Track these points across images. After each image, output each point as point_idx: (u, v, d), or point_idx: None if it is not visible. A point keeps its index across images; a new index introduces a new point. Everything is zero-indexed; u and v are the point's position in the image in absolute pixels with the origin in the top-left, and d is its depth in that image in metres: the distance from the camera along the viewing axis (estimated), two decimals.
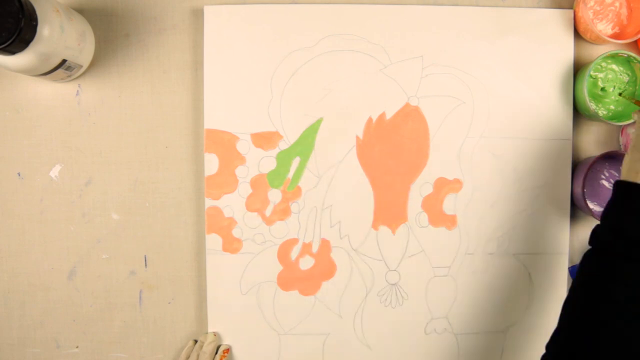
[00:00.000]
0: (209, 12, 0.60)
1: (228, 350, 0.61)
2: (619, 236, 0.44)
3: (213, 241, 0.61)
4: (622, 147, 0.63)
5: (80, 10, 0.60)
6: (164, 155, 0.62)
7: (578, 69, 0.62)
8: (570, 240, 0.63)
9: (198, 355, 0.59)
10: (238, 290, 0.61)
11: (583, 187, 0.59)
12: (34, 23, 0.48)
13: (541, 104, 0.62)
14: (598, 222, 0.48)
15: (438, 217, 0.62)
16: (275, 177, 0.61)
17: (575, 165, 0.63)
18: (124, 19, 0.61)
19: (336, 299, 0.62)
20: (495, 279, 0.63)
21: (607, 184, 0.63)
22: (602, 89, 0.62)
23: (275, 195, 0.61)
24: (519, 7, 0.62)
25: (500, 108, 0.62)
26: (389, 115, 0.62)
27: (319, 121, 0.61)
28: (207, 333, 0.61)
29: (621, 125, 0.62)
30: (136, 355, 0.63)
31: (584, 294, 0.45)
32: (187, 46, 0.62)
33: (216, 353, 0.60)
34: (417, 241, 0.62)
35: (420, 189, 0.62)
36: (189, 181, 0.62)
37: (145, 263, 0.63)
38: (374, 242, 0.62)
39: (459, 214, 0.62)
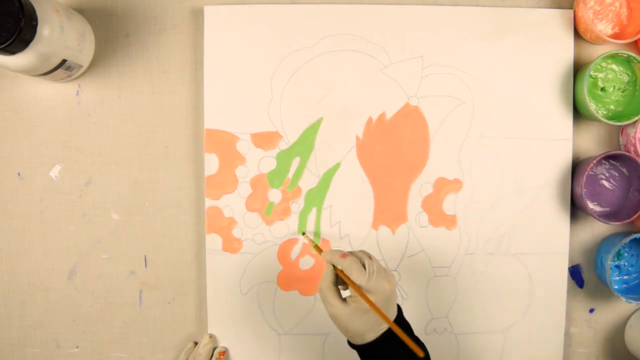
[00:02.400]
0: (209, 12, 0.60)
1: (224, 352, 0.61)
2: None
3: (213, 241, 0.61)
4: (622, 147, 0.63)
5: (80, 10, 0.60)
6: (164, 155, 0.62)
7: (578, 69, 0.62)
8: (570, 240, 0.63)
9: (194, 358, 0.59)
10: (238, 290, 0.61)
11: (583, 187, 0.59)
12: (34, 23, 0.48)
13: (541, 104, 0.62)
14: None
15: (438, 217, 0.62)
16: (275, 177, 0.61)
17: (575, 165, 0.63)
18: (124, 19, 0.61)
19: None
20: (495, 279, 0.63)
21: (607, 184, 0.63)
22: (602, 89, 0.62)
23: (275, 195, 0.61)
24: (519, 7, 0.62)
25: (500, 108, 0.62)
26: (389, 115, 0.62)
27: (319, 121, 0.61)
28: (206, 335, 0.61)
29: (621, 125, 0.62)
30: (136, 355, 0.63)
31: None
32: (187, 46, 0.62)
33: (212, 355, 0.60)
34: (417, 241, 0.62)
35: (420, 189, 0.62)
36: (189, 181, 0.62)
37: (145, 263, 0.62)
38: (374, 242, 0.62)
39: (459, 214, 0.62)
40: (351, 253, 0.49)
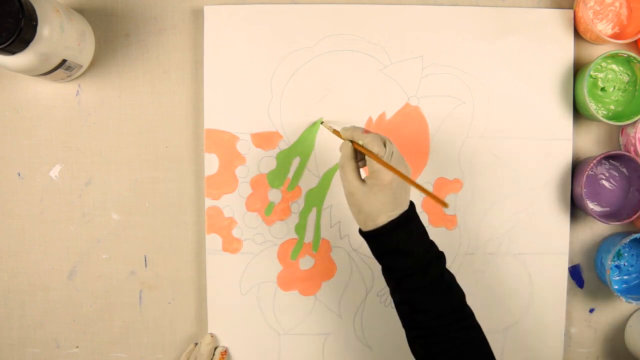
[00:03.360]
0: (209, 12, 0.60)
1: (225, 352, 0.61)
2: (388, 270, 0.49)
3: (213, 241, 0.61)
4: (622, 147, 0.63)
5: (80, 10, 0.60)
6: (164, 155, 0.62)
7: (578, 69, 0.62)
8: (570, 240, 0.63)
9: (196, 358, 0.59)
10: (238, 290, 0.61)
11: (583, 187, 0.59)
12: (34, 23, 0.48)
13: (541, 104, 0.62)
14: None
15: (438, 217, 0.62)
16: (275, 177, 0.61)
17: (575, 165, 0.63)
18: (124, 19, 0.61)
19: (336, 299, 0.62)
20: (495, 279, 0.63)
21: (607, 184, 0.63)
22: (602, 89, 0.62)
23: (275, 195, 0.61)
24: (519, 7, 0.62)
25: (500, 108, 0.62)
26: (389, 115, 0.62)
27: (319, 121, 0.61)
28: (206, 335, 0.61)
29: (621, 125, 0.62)
30: (136, 355, 0.63)
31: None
32: (187, 46, 0.62)
33: (213, 355, 0.60)
34: None
35: None
36: (189, 181, 0.62)
37: (145, 263, 0.63)
38: None
39: (459, 214, 0.62)
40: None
